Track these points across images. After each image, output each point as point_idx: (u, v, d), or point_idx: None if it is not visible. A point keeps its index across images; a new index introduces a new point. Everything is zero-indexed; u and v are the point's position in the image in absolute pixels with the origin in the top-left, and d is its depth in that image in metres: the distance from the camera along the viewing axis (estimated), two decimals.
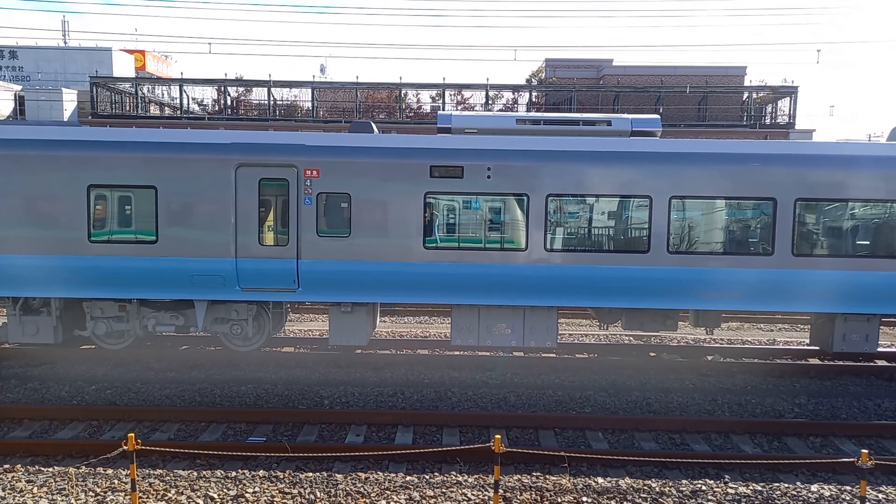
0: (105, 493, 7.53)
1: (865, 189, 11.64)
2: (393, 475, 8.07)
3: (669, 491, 7.80)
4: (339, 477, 7.98)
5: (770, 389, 11.77)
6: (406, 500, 7.50)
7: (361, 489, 7.70)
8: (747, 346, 14.82)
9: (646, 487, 7.88)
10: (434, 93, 40.21)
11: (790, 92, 35.78)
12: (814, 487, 7.93)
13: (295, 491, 7.64)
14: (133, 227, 11.85)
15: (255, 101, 40.56)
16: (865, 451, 6.81)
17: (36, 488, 7.62)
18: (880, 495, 7.82)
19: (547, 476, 8.10)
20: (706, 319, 12.73)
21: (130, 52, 52.08)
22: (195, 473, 8.03)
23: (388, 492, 7.67)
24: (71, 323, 12.48)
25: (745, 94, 37.71)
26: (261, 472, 8.06)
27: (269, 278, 11.73)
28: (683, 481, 8.07)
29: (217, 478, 7.91)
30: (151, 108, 40.46)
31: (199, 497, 7.47)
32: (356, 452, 8.62)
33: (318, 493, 7.59)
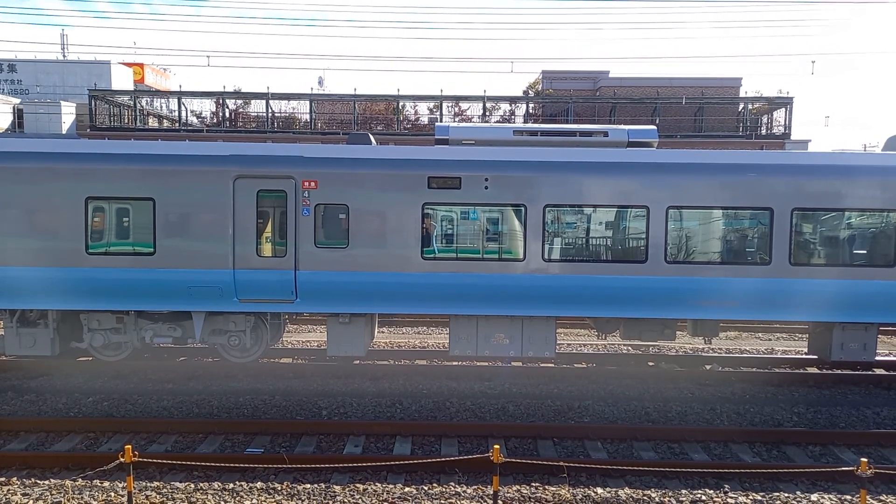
0: None
1: (862, 198, 11.68)
2: (391, 486, 8.03)
3: (669, 501, 7.78)
4: (338, 488, 7.95)
5: (769, 398, 11.76)
6: None
7: (360, 500, 7.67)
8: (745, 355, 14.81)
9: (645, 497, 7.85)
10: (431, 104, 40.30)
11: (786, 102, 35.93)
12: (814, 497, 7.91)
13: (293, 503, 7.61)
14: (131, 238, 11.86)
15: (253, 114, 40.64)
16: (865, 459, 6.81)
17: (32, 501, 7.58)
18: None
19: (546, 486, 8.08)
20: (704, 329, 12.73)
21: (129, 65, 52.25)
22: (192, 485, 7.99)
23: (386, 503, 7.63)
24: (68, 335, 12.44)
25: (741, 105, 37.86)
26: (258, 484, 8.03)
27: (267, 289, 11.72)
28: (683, 491, 8.05)
29: (214, 490, 7.88)
30: (150, 120, 40.52)
31: None
32: (354, 463, 8.58)
33: None
